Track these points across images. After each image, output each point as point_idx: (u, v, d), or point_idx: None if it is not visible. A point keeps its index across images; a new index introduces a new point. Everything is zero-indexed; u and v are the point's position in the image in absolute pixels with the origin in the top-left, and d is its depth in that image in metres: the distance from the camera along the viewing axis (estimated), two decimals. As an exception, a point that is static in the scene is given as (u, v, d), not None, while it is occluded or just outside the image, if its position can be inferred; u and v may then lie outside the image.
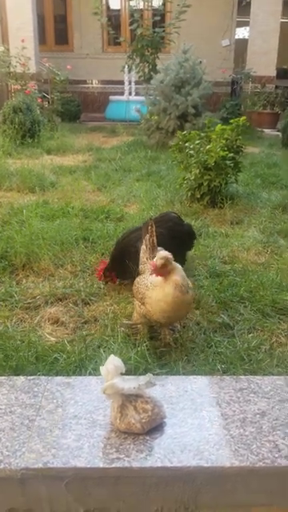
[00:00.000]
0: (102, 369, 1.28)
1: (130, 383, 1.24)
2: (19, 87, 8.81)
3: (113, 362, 1.28)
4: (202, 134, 4.05)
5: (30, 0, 10.13)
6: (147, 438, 1.22)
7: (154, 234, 1.93)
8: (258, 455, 1.16)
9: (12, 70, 9.23)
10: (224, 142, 3.87)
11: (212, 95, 7.81)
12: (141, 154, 6.29)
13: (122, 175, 5.11)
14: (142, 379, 1.26)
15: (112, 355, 1.31)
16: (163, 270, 1.70)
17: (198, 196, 3.88)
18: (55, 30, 12.99)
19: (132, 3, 9.62)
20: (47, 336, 1.94)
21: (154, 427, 1.24)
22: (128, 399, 1.25)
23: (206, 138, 3.99)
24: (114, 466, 1.13)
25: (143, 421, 1.22)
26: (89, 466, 1.13)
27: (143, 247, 1.98)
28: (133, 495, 1.14)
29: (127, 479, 1.13)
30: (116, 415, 1.24)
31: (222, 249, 2.93)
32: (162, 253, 1.72)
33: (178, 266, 1.76)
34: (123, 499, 1.15)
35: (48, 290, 2.32)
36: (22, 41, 9.31)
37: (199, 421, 1.28)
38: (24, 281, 2.46)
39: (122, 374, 1.28)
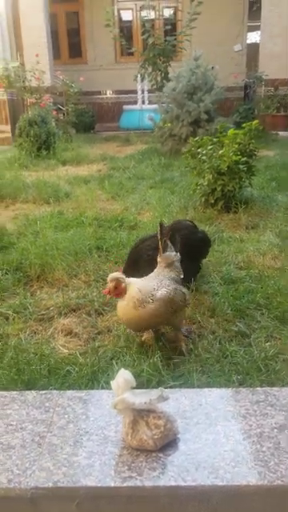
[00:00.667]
0: (113, 383, 1.25)
1: (142, 398, 1.20)
2: (34, 100, 8.96)
3: (123, 376, 1.24)
4: (215, 140, 4.01)
5: (44, 16, 10.45)
6: (160, 455, 1.18)
7: (159, 237, 1.95)
8: (275, 473, 1.10)
9: (27, 84, 9.43)
10: (236, 146, 3.83)
11: (225, 100, 7.79)
12: (154, 162, 6.29)
13: (136, 183, 5.11)
14: (154, 393, 1.22)
15: (122, 369, 1.27)
16: (118, 291, 1.75)
17: (212, 201, 3.84)
18: (69, 44, 13.34)
19: (143, 14, 9.72)
20: (60, 348, 1.92)
21: (167, 443, 1.20)
22: (140, 414, 1.21)
23: (219, 143, 3.96)
24: (125, 484, 1.09)
25: (155, 437, 1.18)
26: (100, 485, 1.10)
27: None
28: (145, 516, 1.10)
29: (139, 498, 1.09)
30: (127, 431, 1.20)
31: (237, 254, 2.87)
32: (112, 274, 1.77)
33: (133, 280, 1.79)
34: (135, 520, 1.11)
35: (62, 300, 2.30)
36: (37, 55, 9.52)
37: (214, 436, 1.23)
38: (38, 292, 2.46)
39: (132, 387, 1.24)
